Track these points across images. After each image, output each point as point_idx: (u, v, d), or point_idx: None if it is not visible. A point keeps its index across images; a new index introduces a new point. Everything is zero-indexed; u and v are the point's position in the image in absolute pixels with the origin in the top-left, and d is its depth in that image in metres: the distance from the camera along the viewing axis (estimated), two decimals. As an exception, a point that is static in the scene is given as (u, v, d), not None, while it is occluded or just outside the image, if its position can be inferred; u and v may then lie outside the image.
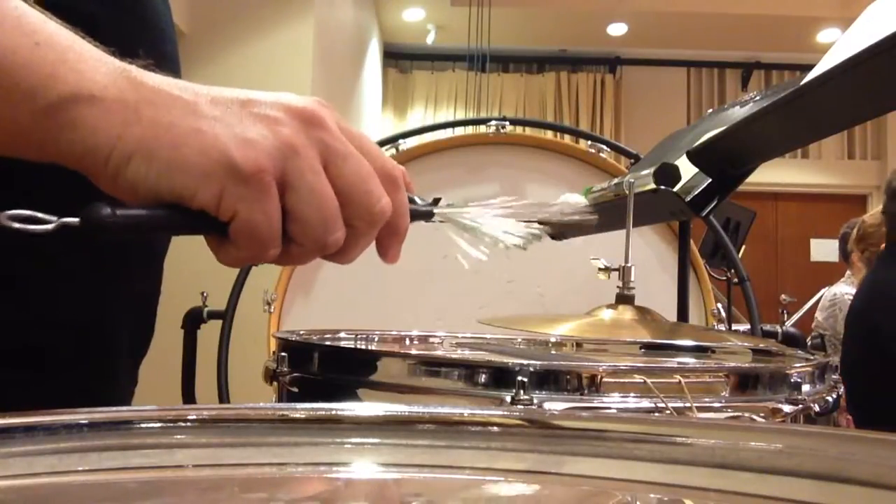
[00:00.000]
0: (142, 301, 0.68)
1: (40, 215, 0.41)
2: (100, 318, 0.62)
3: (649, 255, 1.99)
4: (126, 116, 0.41)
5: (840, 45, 0.74)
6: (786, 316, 2.59)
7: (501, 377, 0.70)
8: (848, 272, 3.27)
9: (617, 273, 0.99)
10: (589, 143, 2.05)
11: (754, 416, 0.70)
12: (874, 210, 3.11)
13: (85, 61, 0.41)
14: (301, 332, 1.07)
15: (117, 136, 0.41)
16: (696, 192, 1.00)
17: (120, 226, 0.42)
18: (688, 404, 0.67)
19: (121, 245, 0.62)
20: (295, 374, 0.83)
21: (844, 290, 3.23)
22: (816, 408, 0.75)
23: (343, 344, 1.11)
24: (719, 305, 1.97)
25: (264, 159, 0.42)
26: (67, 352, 0.60)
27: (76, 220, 0.41)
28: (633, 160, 1.98)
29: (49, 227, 0.41)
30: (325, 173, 0.44)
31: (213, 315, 2.02)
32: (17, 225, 0.40)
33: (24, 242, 0.48)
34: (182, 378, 2.01)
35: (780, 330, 1.95)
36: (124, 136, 0.41)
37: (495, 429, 0.40)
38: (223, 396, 1.93)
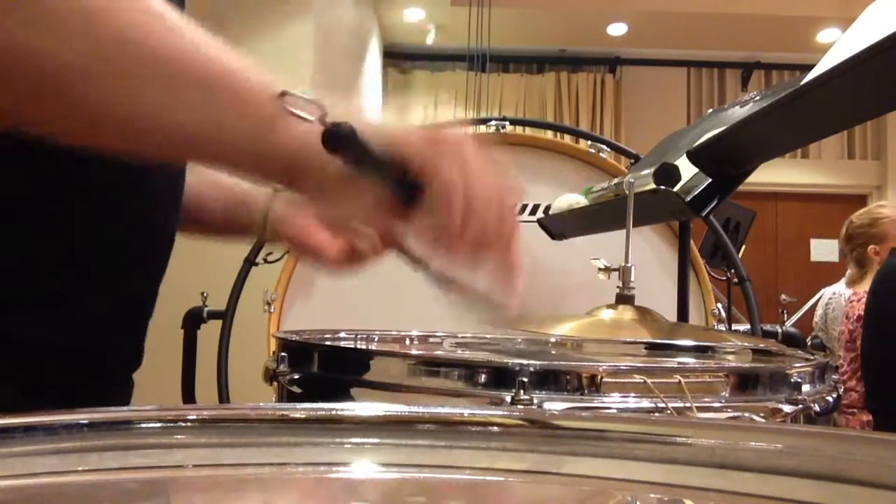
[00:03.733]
0: (135, 326, 0.68)
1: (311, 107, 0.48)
2: (95, 340, 0.62)
3: (649, 255, 1.99)
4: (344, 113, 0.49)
5: (840, 45, 0.74)
6: (786, 316, 2.60)
7: (501, 377, 0.70)
8: (848, 271, 3.27)
9: (617, 273, 0.99)
10: (589, 143, 2.05)
11: (754, 416, 0.70)
12: (862, 210, 3.11)
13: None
14: (301, 332, 1.07)
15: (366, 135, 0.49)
16: (696, 192, 1.00)
17: (358, 143, 0.48)
18: (688, 404, 0.67)
19: (122, 269, 0.63)
20: (295, 374, 0.83)
21: (840, 290, 3.23)
22: (816, 408, 0.75)
23: (343, 344, 1.11)
24: (719, 305, 1.97)
25: (451, 136, 0.53)
26: (63, 373, 0.60)
27: (331, 125, 0.47)
28: (633, 160, 1.98)
29: (314, 115, 0.48)
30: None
31: (213, 315, 2.02)
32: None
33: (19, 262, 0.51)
34: (182, 378, 2.01)
35: (780, 330, 1.95)
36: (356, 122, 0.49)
37: (495, 429, 0.40)
38: (223, 396, 1.93)
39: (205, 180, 0.76)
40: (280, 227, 0.75)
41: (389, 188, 0.51)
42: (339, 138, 0.47)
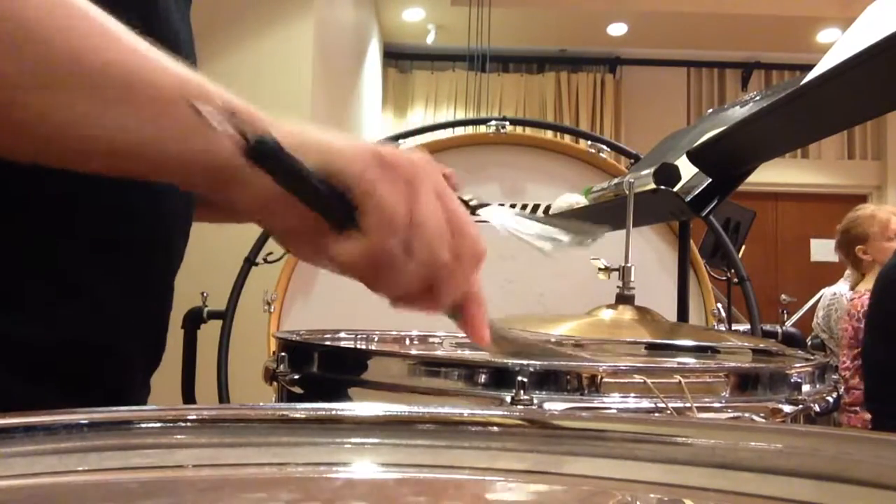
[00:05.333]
0: (156, 321, 0.68)
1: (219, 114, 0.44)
2: (116, 338, 0.62)
3: (649, 255, 1.99)
4: (294, 141, 0.47)
5: (840, 45, 0.74)
6: (786, 316, 2.60)
7: (501, 377, 0.70)
8: (847, 272, 3.27)
9: (617, 273, 0.99)
10: (589, 143, 2.05)
11: (754, 416, 0.70)
12: (847, 216, 3.12)
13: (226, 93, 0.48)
14: (301, 332, 1.07)
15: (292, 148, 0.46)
16: (696, 192, 1.00)
17: (283, 159, 0.45)
18: (688, 404, 0.67)
19: (140, 265, 0.63)
20: (295, 374, 0.83)
21: (841, 290, 3.23)
22: (816, 408, 0.75)
23: (343, 344, 1.11)
24: (719, 305, 1.97)
25: (401, 159, 0.49)
26: (81, 370, 0.59)
27: (254, 138, 0.44)
28: (633, 160, 1.98)
29: (226, 128, 0.44)
30: (442, 204, 0.50)
31: (213, 315, 2.02)
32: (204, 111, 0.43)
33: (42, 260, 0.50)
34: (182, 378, 2.01)
35: (780, 330, 1.95)
36: (285, 136, 0.46)
37: (495, 429, 0.40)
38: (223, 396, 1.93)
39: None
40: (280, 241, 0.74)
41: (321, 207, 0.48)
42: (262, 153, 0.45)
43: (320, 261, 0.62)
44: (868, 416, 2.72)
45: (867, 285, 2.91)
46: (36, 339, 0.56)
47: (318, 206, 0.48)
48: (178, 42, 0.65)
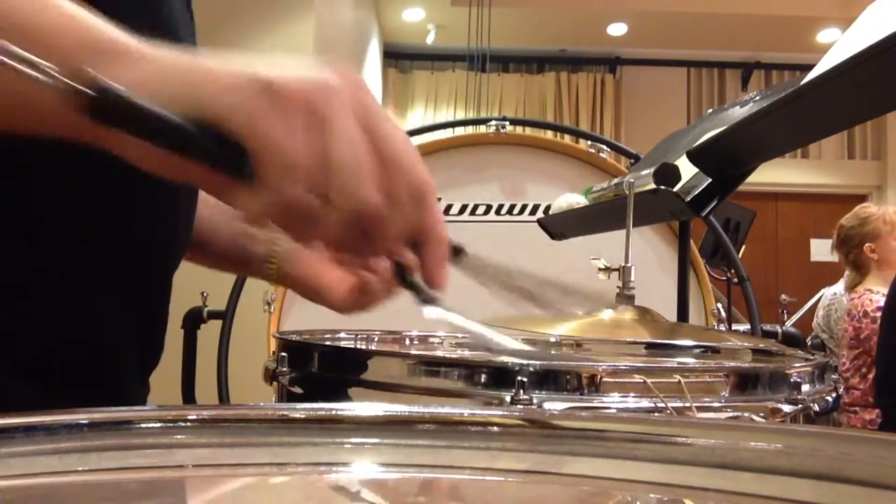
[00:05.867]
0: (154, 321, 0.68)
1: (42, 62, 0.36)
2: (114, 337, 0.62)
3: (649, 255, 1.99)
4: (162, 69, 0.40)
5: (840, 45, 0.74)
6: (786, 316, 2.60)
7: (501, 377, 0.69)
8: (846, 272, 3.26)
9: (617, 273, 0.99)
10: (589, 143, 2.05)
11: (754, 416, 0.70)
12: (848, 213, 3.11)
13: (99, 24, 0.40)
14: (301, 332, 1.07)
15: (144, 81, 0.39)
16: (696, 192, 1.00)
17: (132, 113, 0.37)
18: (688, 404, 0.67)
19: (139, 265, 0.62)
20: (295, 374, 0.83)
21: (840, 290, 3.23)
22: (816, 408, 0.75)
23: (343, 344, 1.11)
24: (719, 305, 1.97)
25: (301, 85, 0.39)
26: (80, 369, 0.59)
27: (89, 90, 0.36)
28: (633, 160, 1.98)
29: (48, 79, 0.36)
30: (368, 133, 0.41)
31: (213, 315, 2.02)
32: (8, 60, 0.35)
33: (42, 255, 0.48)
34: (182, 378, 2.01)
35: (780, 330, 1.95)
36: (152, 80, 0.39)
37: (495, 429, 0.40)
38: (223, 396, 1.94)
39: (210, 202, 0.71)
40: (285, 265, 0.73)
41: (200, 158, 0.40)
42: (104, 111, 0.37)
43: (325, 294, 0.58)
44: (867, 416, 2.72)
45: (868, 285, 2.90)
46: (34, 339, 0.56)
47: (193, 155, 0.40)
48: (177, 32, 0.64)
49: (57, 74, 0.36)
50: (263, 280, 0.74)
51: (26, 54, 0.35)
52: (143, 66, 0.40)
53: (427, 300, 0.50)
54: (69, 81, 0.36)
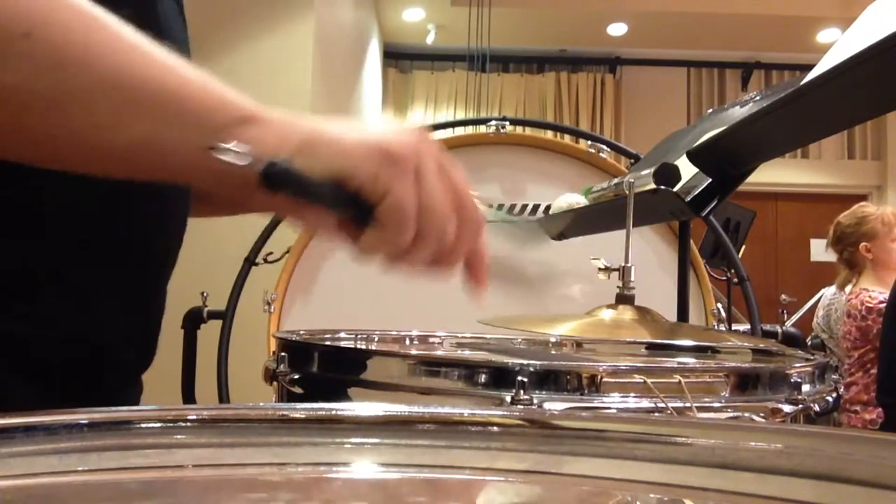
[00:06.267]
0: (149, 322, 0.68)
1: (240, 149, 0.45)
2: (112, 334, 0.62)
3: (649, 255, 1.99)
4: (286, 130, 0.49)
5: (840, 45, 0.74)
6: (786, 316, 2.60)
7: (501, 377, 0.70)
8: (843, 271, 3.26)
9: (617, 273, 0.99)
10: (589, 143, 2.05)
11: (754, 416, 0.70)
12: (846, 212, 3.11)
13: (231, 91, 0.48)
14: (301, 332, 1.07)
15: (278, 145, 0.47)
16: (696, 192, 1.00)
17: (294, 180, 0.47)
18: (688, 404, 0.67)
19: (134, 266, 0.63)
20: (295, 374, 0.83)
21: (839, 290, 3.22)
22: (816, 408, 0.75)
23: (343, 344, 1.11)
24: (719, 305, 1.97)
25: (405, 148, 0.50)
26: (80, 369, 0.59)
27: (264, 165, 0.46)
28: (633, 160, 1.98)
29: (246, 162, 0.45)
30: (445, 182, 0.52)
31: (213, 315, 2.02)
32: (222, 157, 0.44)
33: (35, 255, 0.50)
34: (182, 378, 2.01)
35: (780, 330, 1.95)
36: (286, 144, 0.48)
37: (495, 429, 0.40)
38: (223, 396, 1.93)
39: None
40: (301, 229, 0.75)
41: (339, 211, 0.51)
42: (275, 180, 0.46)
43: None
44: (868, 416, 2.71)
45: (863, 285, 2.90)
46: (34, 339, 0.56)
47: (334, 211, 0.50)
48: (170, 33, 0.65)
49: (249, 155, 0.45)
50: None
51: (230, 146, 0.45)
52: (272, 129, 0.48)
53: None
54: (254, 160, 0.45)
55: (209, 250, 2.05)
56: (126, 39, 0.45)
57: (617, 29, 6.47)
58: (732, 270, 2.01)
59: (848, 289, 3.03)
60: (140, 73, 0.45)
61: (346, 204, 0.50)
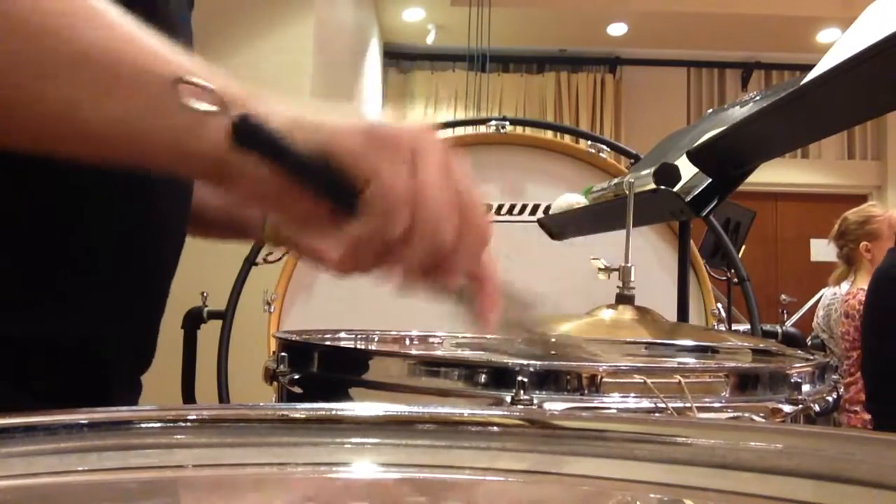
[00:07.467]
0: (147, 325, 0.68)
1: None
2: (111, 337, 0.62)
3: (649, 255, 1.99)
4: (271, 100, 0.45)
5: (840, 45, 0.74)
6: (786, 316, 2.60)
7: (501, 377, 0.69)
8: (841, 269, 3.26)
9: (617, 273, 0.99)
10: (589, 143, 2.05)
11: (754, 416, 0.70)
12: (856, 208, 3.11)
13: (221, 75, 0.45)
14: (301, 332, 1.07)
15: (255, 105, 0.44)
16: (696, 192, 1.00)
17: (266, 138, 0.43)
18: (688, 404, 0.67)
19: (133, 268, 0.63)
20: (295, 374, 0.82)
21: (842, 289, 3.22)
22: (816, 408, 0.75)
23: (343, 344, 1.11)
24: (719, 305, 1.97)
25: (401, 133, 0.46)
26: (80, 370, 0.59)
27: (237, 117, 0.42)
28: (633, 160, 1.98)
29: (213, 107, 0.42)
30: (448, 180, 0.47)
31: (213, 315, 2.02)
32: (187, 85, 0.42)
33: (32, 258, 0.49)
34: (182, 378, 2.01)
35: (780, 330, 1.95)
36: (266, 109, 0.44)
37: (495, 429, 0.40)
38: (223, 396, 1.93)
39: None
40: (282, 228, 0.75)
41: (320, 193, 0.45)
42: (247, 134, 0.42)
43: (322, 253, 0.61)
44: (868, 416, 2.72)
45: (860, 284, 2.91)
46: (34, 341, 0.56)
47: (313, 189, 0.45)
48: (175, 29, 0.64)
49: (213, 104, 0.42)
50: (259, 242, 0.77)
51: (197, 80, 0.42)
52: (280, 118, 0.44)
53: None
54: (225, 107, 0.42)
55: (209, 250, 2.05)
56: (106, 16, 0.43)
57: (617, 29, 6.47)
58: (732, 270, 2.02)
59: (843, 286, 3.04)
60: (115, 49, 0.43)
61: (328, 184, 0.45)
